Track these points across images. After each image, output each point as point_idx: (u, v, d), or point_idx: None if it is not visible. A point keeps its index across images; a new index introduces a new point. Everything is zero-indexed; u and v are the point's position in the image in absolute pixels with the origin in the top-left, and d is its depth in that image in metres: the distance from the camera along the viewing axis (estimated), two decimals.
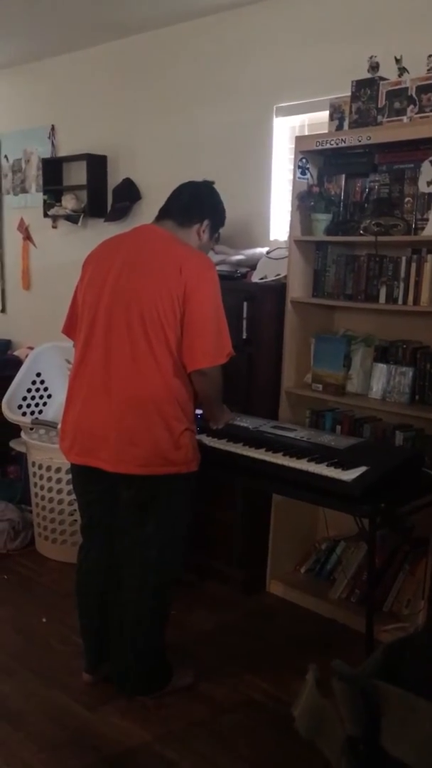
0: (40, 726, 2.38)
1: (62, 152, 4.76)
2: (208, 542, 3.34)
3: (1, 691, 2.57)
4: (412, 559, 2.99)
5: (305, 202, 3.11)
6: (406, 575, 2.98)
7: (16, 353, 5.00)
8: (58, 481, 3.49)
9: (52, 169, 4.75)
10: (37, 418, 3.77)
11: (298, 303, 3.17)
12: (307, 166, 3.12)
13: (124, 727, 2.38)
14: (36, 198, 4.92)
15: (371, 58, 2.94)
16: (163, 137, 4.15)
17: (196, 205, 2.48)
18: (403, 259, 2.85)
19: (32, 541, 3.75)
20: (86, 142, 4.54)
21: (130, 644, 2.46)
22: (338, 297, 3.12)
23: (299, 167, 3.11)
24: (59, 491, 3.50)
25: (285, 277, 3.17)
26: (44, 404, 4.10)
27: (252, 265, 3.39)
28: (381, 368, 2.98)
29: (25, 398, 4.01)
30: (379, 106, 2.88)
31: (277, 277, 3.21)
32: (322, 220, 3.07)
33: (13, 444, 4.13)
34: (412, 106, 2.79)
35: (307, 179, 3.13)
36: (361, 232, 2.91)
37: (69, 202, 4.62)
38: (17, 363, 4.43)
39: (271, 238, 3.65)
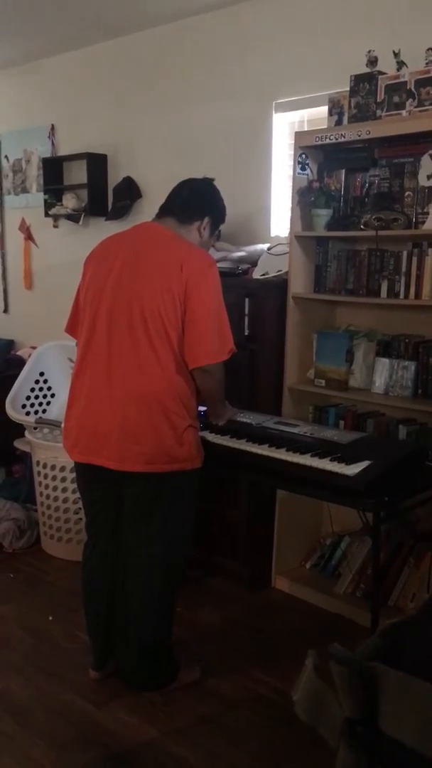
0: (47, 723, 2.40)
1: (62, 151, 4.77)
2: (213, 539, 3.35)
3: (9, 689, 2.58)
4: (416, 552, 3.00)
5: (305, 198, 3.11)
6: (411, 569, 2.98)
7: (19, 353, 5.01)
8: (63, 479, 3.51)
9: (53, 169, 4.75)
10: (40, 418, 3.79)
11: (299, 299, 3.17)
12: (307, 161, 3.12)
13: (132, 723, 2.39)
14: (37, 198, 4.93)
15: (369, 52, 2.93)
16: (163, 135, 4.15)
17: (197, 202, 2.48)
18: (404, 253, 2.85)
19: (38, 539, 3.77)
20: (86, 141, 4.55)
21: (137, 641, 2.47)
22: (340, 292, 3.12)
23: (299, 163, 3.10)
24: (64, 490, 3.52)
25: (286, 273, 3.16)
26: (48, 403, 4.11)
27: (253, 261, 3.39)
28: (383, 363, 2.98)
29: (28, 398, 4.01)
30: (378, 100, 2.88)
31: (279, 273, 3.21)
32: (323, 215, 3.07)
33: (17, 443, 4.13)
34: (411, 100, 2.79)
35: (307, 175, 3.13)
36: (362, 226, 2.91)
37: (70, 202, 4.63)
38: (20, 363, 4.45)
39: (272, 234, 3.64)
